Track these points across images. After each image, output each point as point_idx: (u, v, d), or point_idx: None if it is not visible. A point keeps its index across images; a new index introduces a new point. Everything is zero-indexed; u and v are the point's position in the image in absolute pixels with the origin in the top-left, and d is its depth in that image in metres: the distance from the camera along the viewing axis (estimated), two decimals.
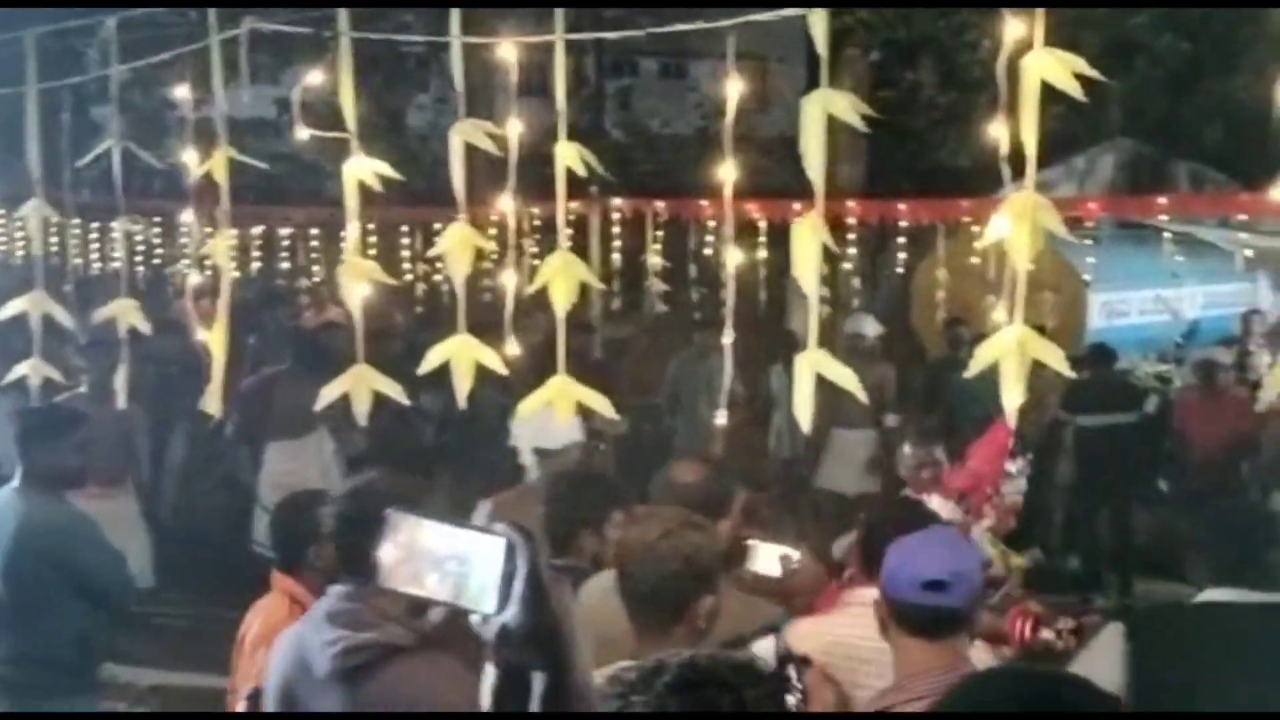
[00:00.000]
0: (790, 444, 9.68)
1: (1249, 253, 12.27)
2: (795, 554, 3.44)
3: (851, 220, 10.61)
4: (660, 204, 11.40)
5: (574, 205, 9.48)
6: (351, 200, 3.80)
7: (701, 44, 17.44)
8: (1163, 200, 11.11)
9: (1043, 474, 9.23)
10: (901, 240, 11.82)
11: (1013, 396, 3.09)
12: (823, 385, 3.33)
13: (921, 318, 12.62)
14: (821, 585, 3.52)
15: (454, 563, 1.54)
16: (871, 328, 9.43)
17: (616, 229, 11.50)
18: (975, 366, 3.13)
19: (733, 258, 3.64)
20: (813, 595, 3.46)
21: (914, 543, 3.07)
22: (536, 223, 9.89)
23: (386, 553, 1.56)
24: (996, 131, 2.98)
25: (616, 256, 11.51)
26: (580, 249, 8.51)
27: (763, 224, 11.27)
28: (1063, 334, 11.47)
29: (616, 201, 11.44)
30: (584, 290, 3.74)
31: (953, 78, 14.05)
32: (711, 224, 10.70)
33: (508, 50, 3.69)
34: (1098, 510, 9.26)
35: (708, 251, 11.05)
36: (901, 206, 11.10)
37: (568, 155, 3.58)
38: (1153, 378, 11.10)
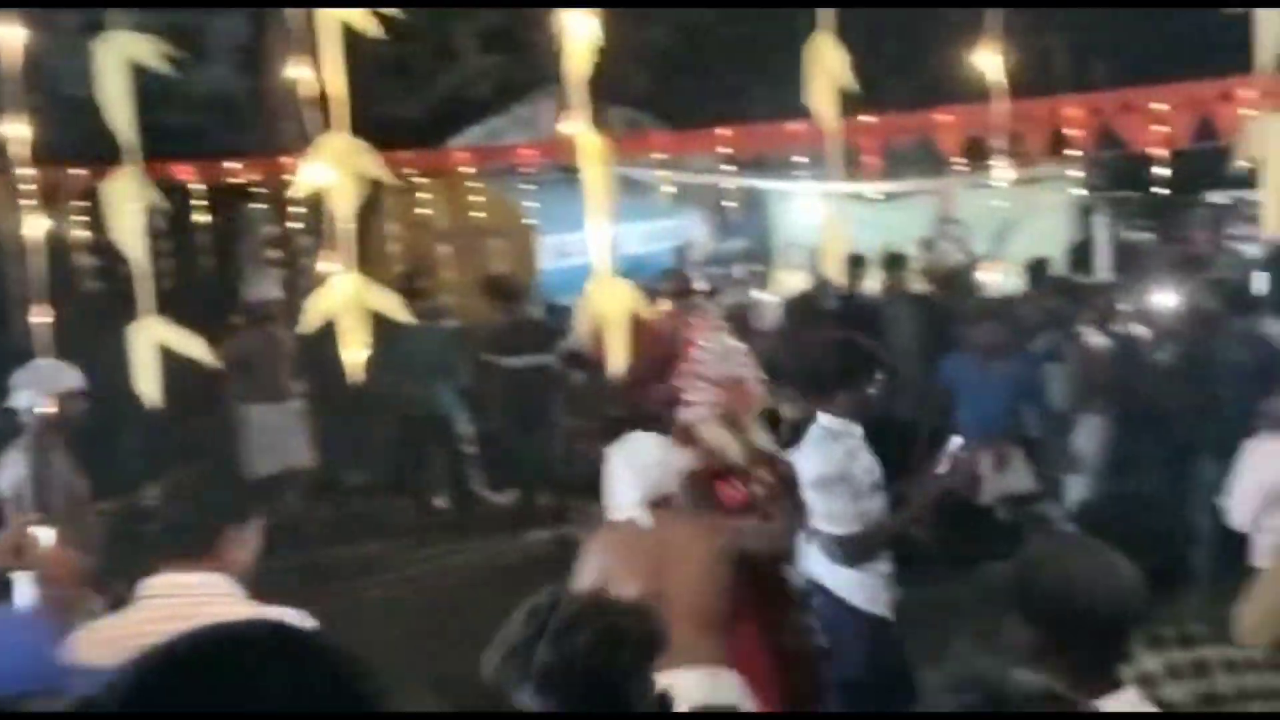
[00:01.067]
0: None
1: (673, 189, 13.11)
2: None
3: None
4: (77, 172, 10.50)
5: None
6: None
7: None
8: None
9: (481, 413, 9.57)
10: None
11: (353, 350, 3.04)
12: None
13: (375, 274, 12.53)
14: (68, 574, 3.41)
15: None
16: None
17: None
18: (309, 321, 3.05)
19: (40, 225, 3.32)
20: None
21: None
22: None
23: None
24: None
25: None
26: None
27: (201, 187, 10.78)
28: (516, 278, 11.83)
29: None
30: None
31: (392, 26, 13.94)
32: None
33: None
34: (529, 445, 9.58)
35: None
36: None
37: None
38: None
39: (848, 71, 3.19)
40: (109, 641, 2.80)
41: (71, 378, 5.46)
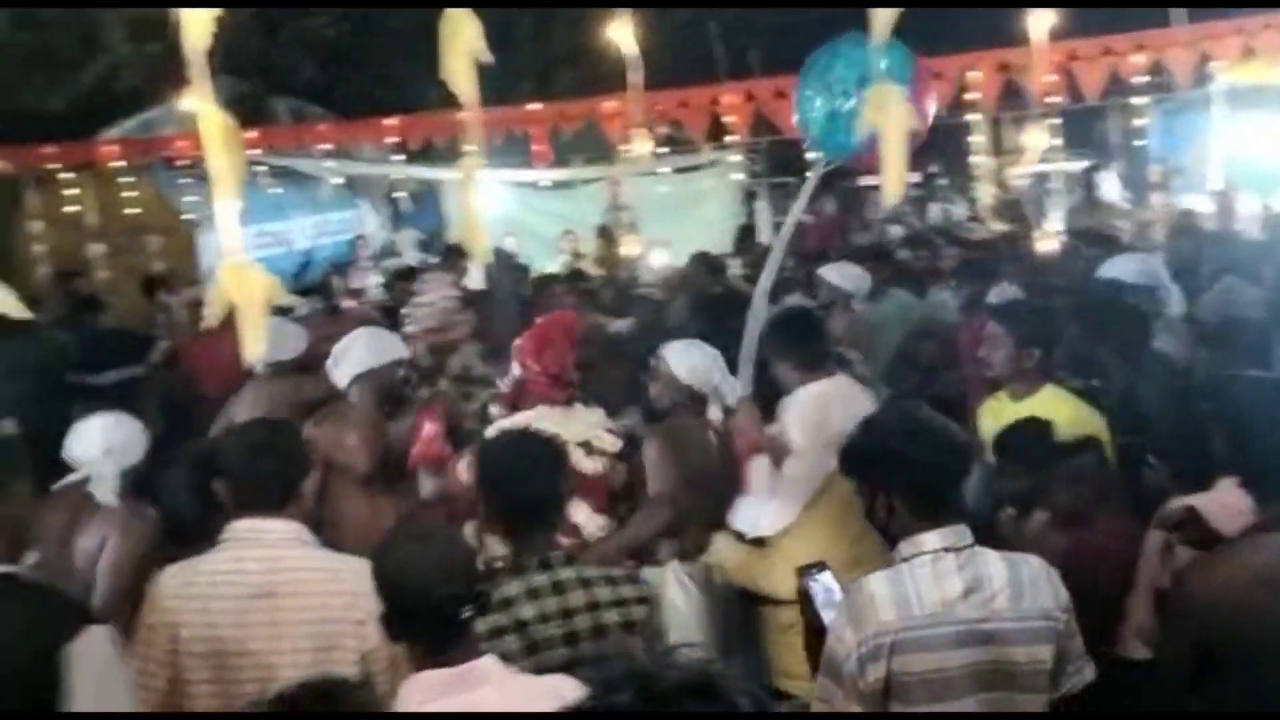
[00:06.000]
0: None
1: (339, 180, 12.87)
2: None
3: None
4: None
5: None
6: None
7: None
8: (255, 134, 11.24)
9: None
10: None
11: None
12: None
13: (23, 275, 11.73)
14: None
15: None
16: None
17: None
18: None
19: None
20: None
21: None
22: None
23: None
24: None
25: None
26: None
27: None
28: (178, 276, 11.30)
29: None
30: None
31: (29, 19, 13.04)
32: None
33: None
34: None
35: None
36: None
37: None
38: None
39: (483, 44, 3.21)
40: (198, 580, 3.02)
41: None
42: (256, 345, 2.89)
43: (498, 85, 3.67)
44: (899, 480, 2.82)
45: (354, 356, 5.02)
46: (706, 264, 9.38)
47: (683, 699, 1.47)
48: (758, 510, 4.20)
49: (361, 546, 3.05)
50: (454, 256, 9.93)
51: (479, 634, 2.73)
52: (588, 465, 4.32)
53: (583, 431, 4.40)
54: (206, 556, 3.12)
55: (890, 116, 3.48)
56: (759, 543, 4.16)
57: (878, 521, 2.91)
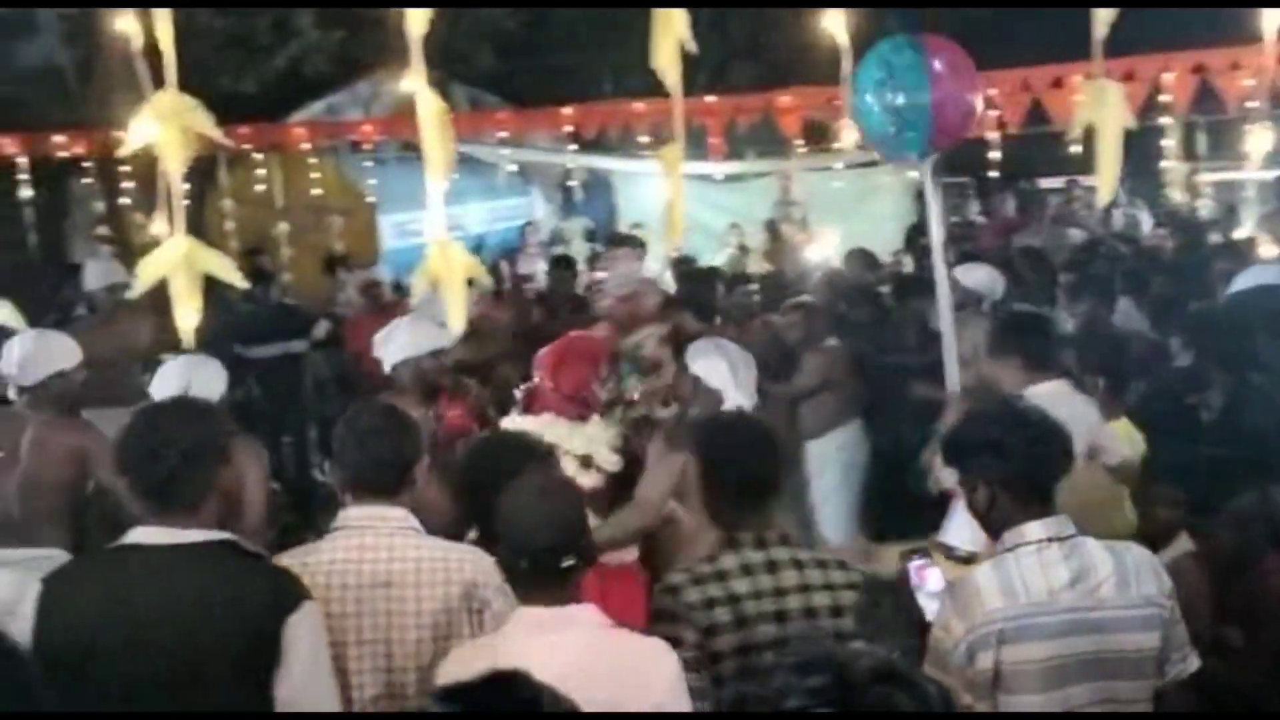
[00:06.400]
0: None
1: (513, 168, 13.06)
2: None
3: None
4: None
5: None
6: None
7: None
8: None
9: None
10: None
11: (186, 314, 2.97)
12: None
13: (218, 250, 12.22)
14: None
15: None
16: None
17: None
18: (141, 284, 2.97)
19: None
20: None
21: None
22: None
23: None
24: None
25: None
26: None
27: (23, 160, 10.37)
28: (358, 256, 11.66)
29: None
30: None
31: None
32: None
33: None
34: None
35: None
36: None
37: None
38: None
39: (688, 34, 3.22)
40: (317, 569, 3.03)
41: None
42: (458, 319, 2.97)
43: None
44: (1002, 470, 2.87)
45: (399, 342, 5.16)
46: (865, 261, 9.30)
47: (876, 684, 1.51)
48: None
49: None
50: (620, 245, 10.03)
51: (691, 603, 2.92)
52: (583, 479, 4.38)
53: (583, 446, 4.54)
54: (322, 545, 3.15)
55: (1106, 112, 3.38)
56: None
57: (978, 512, 2.97)
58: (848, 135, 9.01)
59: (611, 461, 4.57)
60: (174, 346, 6.99)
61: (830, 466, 6.88)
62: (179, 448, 2.68)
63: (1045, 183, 14.43)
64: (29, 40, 13.61)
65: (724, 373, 4.56)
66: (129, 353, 7.65)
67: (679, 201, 3.24)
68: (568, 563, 2.80)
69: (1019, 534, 2.85)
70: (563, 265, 9.96)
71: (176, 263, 2.92)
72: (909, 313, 7.61)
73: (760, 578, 3.03)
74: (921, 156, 4.93)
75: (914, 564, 3.11)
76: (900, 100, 4.76)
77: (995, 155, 9.89)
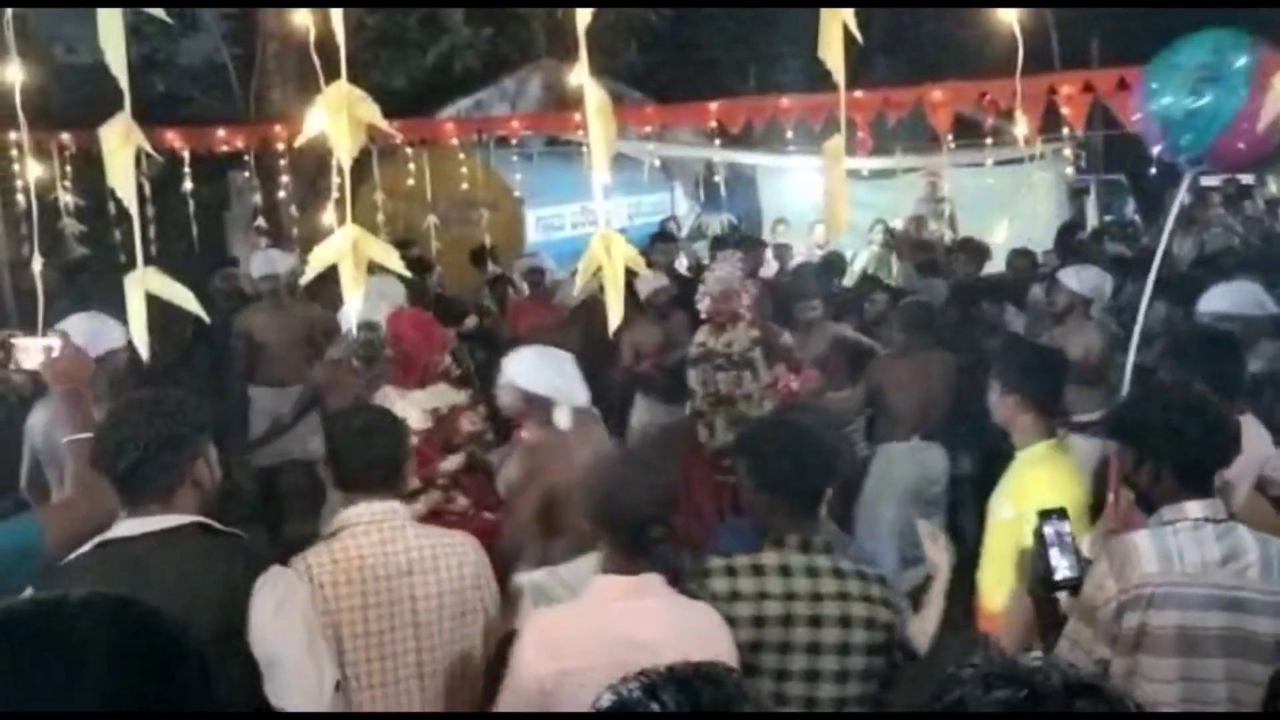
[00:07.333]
0: None
1: (658, 163, 13.07)
2: None
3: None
4: (67, 136, 10.44)
5: None
6: None
7: None
8: (579, 116, 11.54)
9: None
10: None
11: (353, 297, 3.01)
12: None
13: None
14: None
15: None
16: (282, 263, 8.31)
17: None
18: (311, 270, 3.02)
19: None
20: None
21: None
22: None
23: None
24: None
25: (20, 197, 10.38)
26: None
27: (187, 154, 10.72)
28: (505, 250, 11.80)
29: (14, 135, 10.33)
30: None
31: None
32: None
33: None
34: None
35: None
36: None
37: None
38: None
39: (854, 25, 3.16)
40: (350, 565, 3.24)
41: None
42: (618, 309, 2.95)
43: (812, 71, 3.63)
44: (1172, 451, 2.99)
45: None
46: (1028, 261, 9.10)
47: (1071, 699, 1.44)
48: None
49: None
50: (750, 245, 10.02)
51: (716, 593, 3.05)
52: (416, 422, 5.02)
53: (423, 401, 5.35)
54: (343, 542, 3.30)
55: None
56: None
57: (1140, 487, 3.08)
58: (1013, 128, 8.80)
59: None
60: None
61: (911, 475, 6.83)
62: (143, 440, 2.84)
63: (1205, 180, 13.91)
64: (192, 38, 14.11)
65: (549, 378, 4.57)
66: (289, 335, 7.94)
67: (842, 194, 3.17)
68: (656, 533, 2.98)
69: (1178, 510, 2.97)
70: (664, 238, 10.10)
71: (345, 251, 2.95)
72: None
73: (798, 580, 3.11)
74: (1191, 164, 4.59)
75: (1050, 524, 3.12)
76: (1205, 98, 4.42)
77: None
